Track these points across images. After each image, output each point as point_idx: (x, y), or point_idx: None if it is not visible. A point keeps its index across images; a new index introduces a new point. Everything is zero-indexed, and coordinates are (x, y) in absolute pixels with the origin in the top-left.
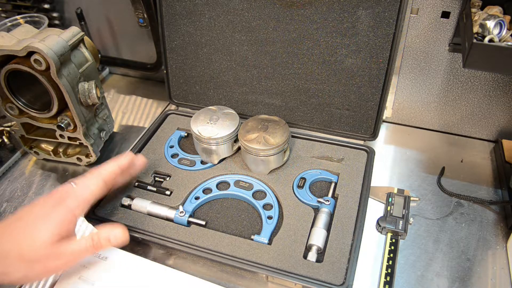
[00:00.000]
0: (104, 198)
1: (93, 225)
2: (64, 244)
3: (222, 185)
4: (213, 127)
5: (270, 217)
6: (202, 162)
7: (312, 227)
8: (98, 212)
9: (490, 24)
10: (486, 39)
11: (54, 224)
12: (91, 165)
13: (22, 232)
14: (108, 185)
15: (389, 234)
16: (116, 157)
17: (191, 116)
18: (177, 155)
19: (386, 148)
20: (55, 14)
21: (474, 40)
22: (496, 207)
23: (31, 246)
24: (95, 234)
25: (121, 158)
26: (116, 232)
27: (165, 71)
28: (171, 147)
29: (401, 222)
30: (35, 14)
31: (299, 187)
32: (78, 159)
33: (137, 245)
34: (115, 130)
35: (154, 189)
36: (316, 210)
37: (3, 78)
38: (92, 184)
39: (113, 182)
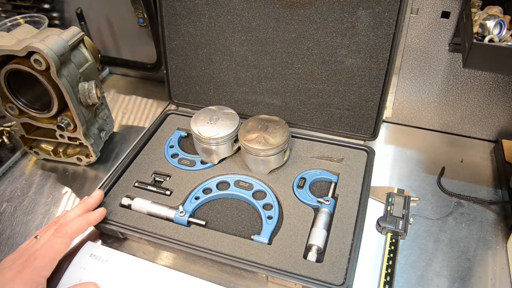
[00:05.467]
0: (104, 198)
1: (93, 225)
2: None
3: (222, 185)
4: (213, 127)
5: (270, 217)
6: (202, 162)
7: (312, 227)
8: None
9: (490, 24)
10: (486, 39)
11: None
12: (91, 165)
13: None
14: (73, 239)
15: (389, 234)
16: (84, 200)
17: (191, 116)
18: (177, 155)
19: (386, 148)
20: (55, 14)
21: (474, 40)
22: (496, 207)
23: None
24: None
25: (89, 201)
26: None
27: (165, 71)
28: (171, 147)
29: (401, 222)
30: (35, 14)
31: (299, 187)
32: (78, 159)
33: (137, 245)
34: (115, 130)
35: (154, 189)
36: (316, 210)
37: (3, 78)
38: (58, 243)
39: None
